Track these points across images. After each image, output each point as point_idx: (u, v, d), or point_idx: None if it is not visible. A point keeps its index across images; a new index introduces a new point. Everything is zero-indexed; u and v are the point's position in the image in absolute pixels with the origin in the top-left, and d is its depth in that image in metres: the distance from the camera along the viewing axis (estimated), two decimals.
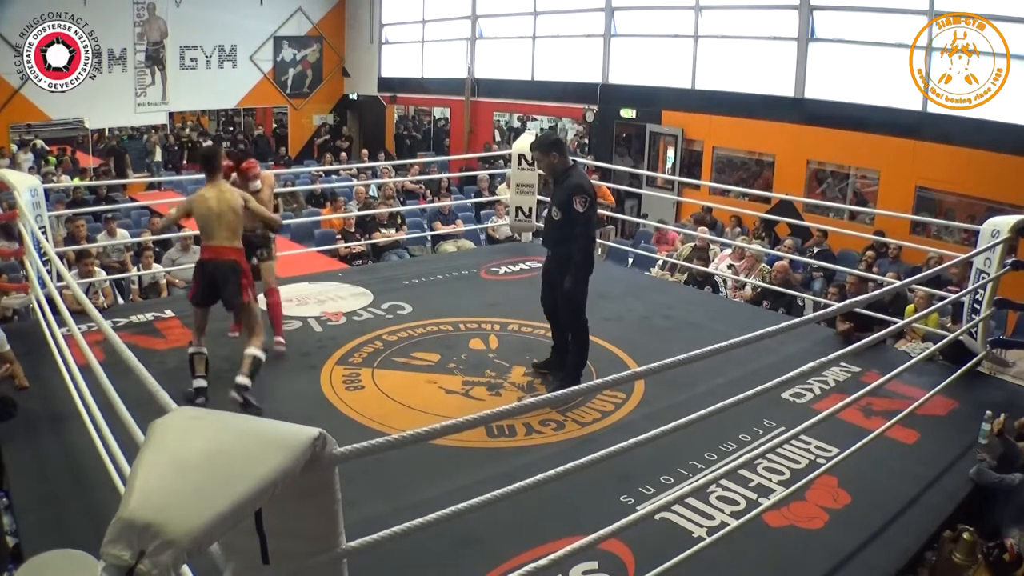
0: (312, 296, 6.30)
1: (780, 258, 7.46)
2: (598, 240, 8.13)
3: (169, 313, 5.82)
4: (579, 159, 7.74)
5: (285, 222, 10.50)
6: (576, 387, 2.45)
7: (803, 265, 8.27)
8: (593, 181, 8.97)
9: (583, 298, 4.67)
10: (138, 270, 7.85)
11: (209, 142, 16.42)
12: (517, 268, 7.32)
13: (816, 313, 4.69)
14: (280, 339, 5.20)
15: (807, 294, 7.14)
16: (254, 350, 4.30)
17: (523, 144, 7.67)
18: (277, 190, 11.49)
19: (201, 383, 4.35)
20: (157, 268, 7.65)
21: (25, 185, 5.28)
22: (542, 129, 14.61)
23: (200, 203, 4.36)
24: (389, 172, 12.37)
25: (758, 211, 9.67)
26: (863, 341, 3.75)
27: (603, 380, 2.57)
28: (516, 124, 15.26)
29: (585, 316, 4.73)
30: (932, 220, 8.87)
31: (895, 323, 5.38)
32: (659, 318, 6.11)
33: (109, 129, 16.14)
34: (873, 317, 5.59)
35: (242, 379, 4.16)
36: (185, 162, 15.48)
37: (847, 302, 4.05)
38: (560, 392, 2.92)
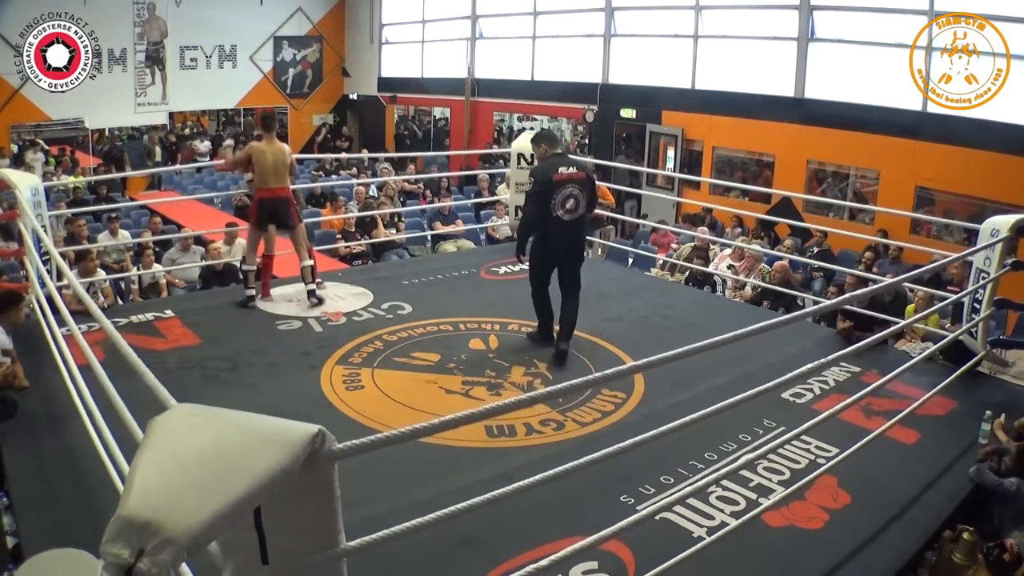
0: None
1: (780, 258, 7.46)
2: (598, 239, 8.29)
3: (169, 313, 5.82)
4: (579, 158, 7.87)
5: None
6: (574, 382, 2.44)
7: (803, 265, 8.28)
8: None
9: (531, 272, 5.30)
10: (138, 270, 7.85)
11: (206, 142, 16.45)
12: (517, 268, 7.29)
13: (811, 308, 4.68)
14: (255, 294, 6.09)
15: (807, 294, 7.14)
16: (308, 261, 6.01)
17: (523, 144, 7.68)
18: None
19: (252, 292, 5.91)
20: (157, 268, 7.65)
21: (25, 184, 5.27)
22: (542, 129, 14.65)
23: (259, 153, 5.81)
24: (389, 171, 12.36)
25: (758, 211, 9.67)
26: (863, 343, 3.74)
27: (602, 374, 2.55)
28: (516, 124, 15.28)
29: (534, 286, 5.30)
30: (932, 219, 8.88)
31: (895, 323, 5.39)
32: (659, 318, 6.11)
33: (109, 129, 16.15)
34: (874, 317, 5.59)
35: (310, 285, 5.96)
36: (169, 163, 15.45)
37: (842, 297, 4.03)
38: (557, 387, 2.90)
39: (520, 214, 5.96)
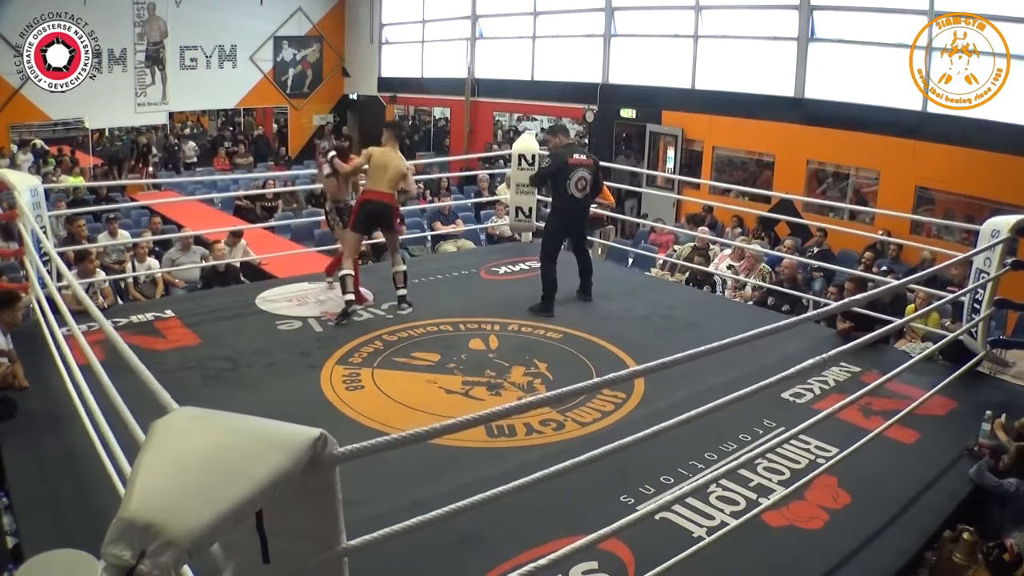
0: (312, 296, 6.30)
1: (780, 258, 7.46)
2: (598, 239, 8.33)
3: (169, 313, 5.82)
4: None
5: (284, 222, 10.53)
6: (575, 386, 2.45)
7: (803, 265, 8.27)
8: None
9: (546, 244, 6.23)
10: (133, 267, 7.84)
11: (191, 143, 16.30)
12: (517, 268, 7.32)
13: (812, 312, 4.69)
14: (331, 281, 6.38)
15: (807, 294, 7.14)
16: (401, 266, 6.03)
17: (523, 144, 7.68)
18: (276, 190, 11.53)
19: (350, 297, 5.77)
20: (152, 262, 7.62)
21: (25, 185, 5.27)
22: (542, 129, 14.65)
23: (379, 156, 5.89)
24: None
25: (758, 211, 9.67)
26: (861, 340, 3.74)
27: (602, 379, 2.56)
28: (512, 125, 15.27)
29: (546, 258, 6.15)
30: (932, 220, 8.88)
31: (895, 324, 5.38)
32: (659, 318, 6.11)
33: (109, 130, 16.14)
34: (874, 317, 5.59)
35: (401, 290, 5.99)
36: (141, 164, 15.37)
37: (844, 301, 4.05)
38: (559, 391, 2.91)
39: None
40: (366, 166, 5.91)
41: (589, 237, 7.63)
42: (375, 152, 5.92)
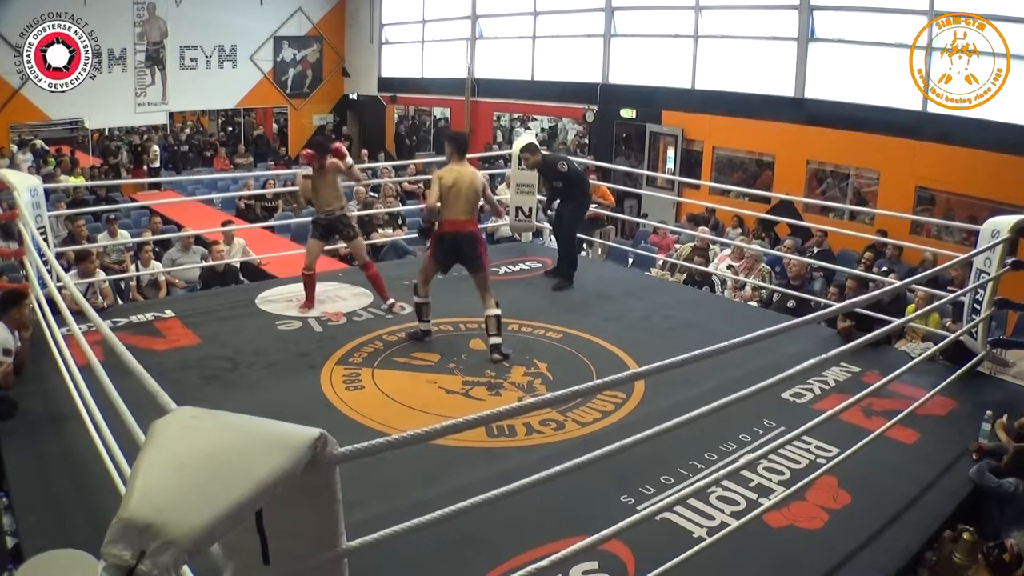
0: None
1: (780, 258, 7.45)
2: (598, 239, 8.43)
3: (169, 313, 5.82)
4: (579, 159, 9.11)
5: (284, 222, 10.53)
6: (576, 388, 2.44)
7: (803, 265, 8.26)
8: (592, 181, 9.09)
9: (573, 227, 6.90)
10: (137, 268, 7.84)
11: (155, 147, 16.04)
12: (517, 268, 7.31)
13: (813, 315, 4.69)
14: (392, 300, 5.92)
15: (807, 295, 7.13)
16: (494, 310, 5.07)
17: (524, 144, 7.67)
18: (276, 190, 11.50)
19: (427, 326, 5.33)
20: (156, 265, 7.64)
21: (25, 185, 5.27)
22: (542, 129, 14.67)
23: (449, 178, 5.07)
24: (389, 172, 12.36)
25: (758, 211, 9.67)
26: (860, 340, 3.74)
27: (603, 381, 2.56)
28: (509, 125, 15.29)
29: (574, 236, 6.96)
30: (932, 220, 8.88)
31: (895, 323, 5.38)
32: (659, 318, 6.11)
33: (109, 130, 16.13)
34: (875, 317, 5.59)
35: (494, 339, 5.05)
36: (133, 165, 15.23)
37: (846, 303, 4.05)
38: (559, 393, 2.91)
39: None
40: (437, 192, 5.04)
41: (589, 237, 8.33)
42: (444, 174, 5.06)
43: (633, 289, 6.89)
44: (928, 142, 9.12)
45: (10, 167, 11.94)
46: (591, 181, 9.79)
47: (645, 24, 12.54)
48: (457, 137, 5.49)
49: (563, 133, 14.66)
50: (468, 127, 15.58)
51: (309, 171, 5.73)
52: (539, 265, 6.99)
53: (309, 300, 5.92)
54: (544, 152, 7.31)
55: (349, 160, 5.77)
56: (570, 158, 7.41)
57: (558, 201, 6.93)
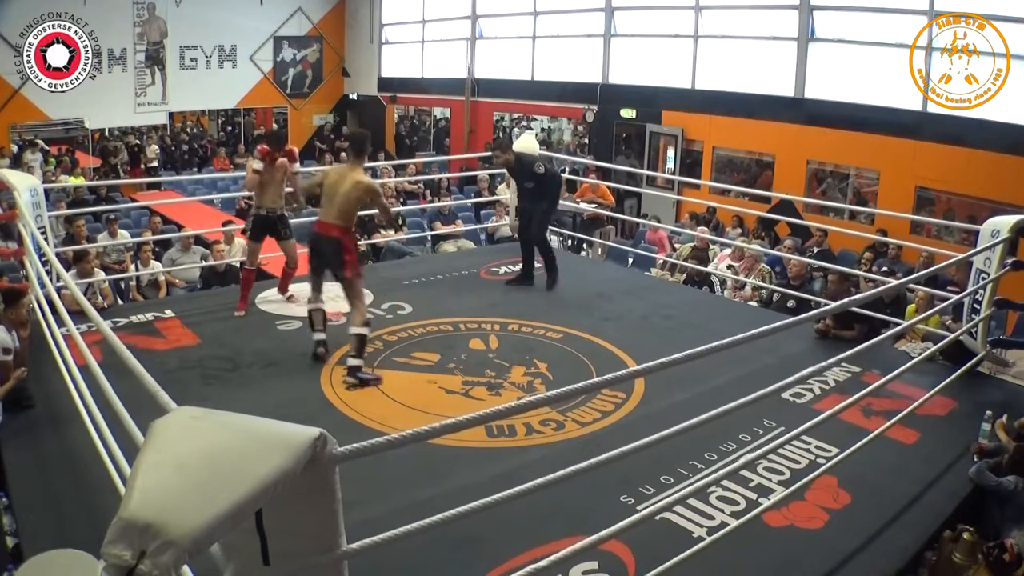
0: None
1: (780, 258, 7.44)
2: (598, 239, 8.43)
3: (169, 313, 5.82)
4: (579, 159, 9.34)
5: None
6: (575, 385, 2.44)
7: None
8: (592, 181, 9.04)
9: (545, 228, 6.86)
10: (137, 268, 7.84)
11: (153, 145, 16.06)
12: (517, 268, 7.30)
13: (812, 313, 4.69)
14: (291, 293, 6.13)
15: (807, 294, 7.13)
16: (358, 328, 4.69)
17: (524, 144, 7.67)
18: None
19: (321, 336, 5.00)
20: (156, 265, 7.64)
21: (25, 185, 5.27)
22: (543, 129, 14.67)
23: (329, 176, 4.91)
24: (389, 172, 12.36)
25: (758, 210, 9.67)
26: (866, 344, 3.74)
27: (603, 378, 2.56)
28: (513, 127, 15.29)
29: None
30: (932, 220, 8.87)
31: (893, 322, 5.38)
32: (659, 318, 6.11)
33: (109, 130, 16.13)
34: (870, 317, 5.59)
35: (352, 360, 4.64)
36: (130, 166, 15.21)
37: (844, 301, 4.04)
38: (559, 391, 2.91)
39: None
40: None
41: (589, 237, 8.43)
42: (329, 172, 4.91)
43: (633, 289, 6.89)
44: (928, 142, 9.11)
45: (19, 167, 11.95)
46: (592, 181, 9.87)
47: (645, 24, 12.54)
48: (354, 137, 5.45)
49: (558, 133, 14.67)
50: (468, 127, 15.59)
51: (260, 164, 5.63)
52: (539, 265, 6.97)
53: (243, 301, 5.89)
54: (539, 153, 7.29)
55: (297, 166, 5.83)
56: (553, 159, 7.41)
57: (525, 201, 6.81)
